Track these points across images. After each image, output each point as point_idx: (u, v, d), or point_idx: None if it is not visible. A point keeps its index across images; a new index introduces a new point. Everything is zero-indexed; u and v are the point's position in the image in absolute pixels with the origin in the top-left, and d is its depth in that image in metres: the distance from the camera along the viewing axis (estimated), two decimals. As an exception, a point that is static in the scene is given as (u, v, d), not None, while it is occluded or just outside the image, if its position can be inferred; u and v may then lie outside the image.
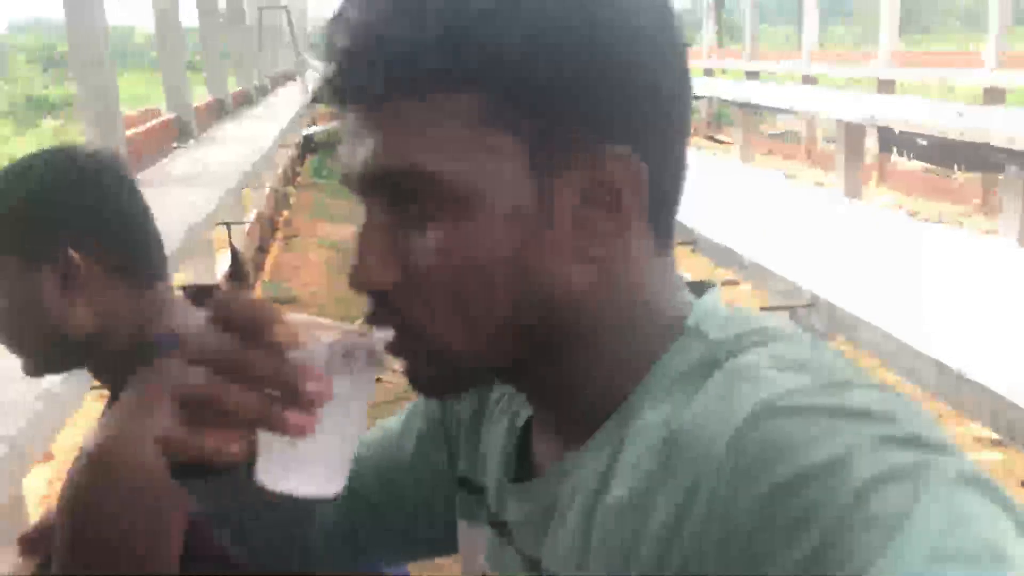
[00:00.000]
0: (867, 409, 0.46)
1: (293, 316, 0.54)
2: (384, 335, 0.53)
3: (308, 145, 10.99)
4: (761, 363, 0.50)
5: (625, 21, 0.53)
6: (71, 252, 1.04)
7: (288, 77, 12.66)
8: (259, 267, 5.61)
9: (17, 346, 1.10)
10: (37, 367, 1.12)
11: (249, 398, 0.49)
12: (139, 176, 2.46)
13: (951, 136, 4.07)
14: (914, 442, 0.44)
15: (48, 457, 2.88)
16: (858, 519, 0.41)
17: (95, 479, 0.98)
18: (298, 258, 6.34)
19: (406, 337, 0.54)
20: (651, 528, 0.50)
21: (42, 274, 1.05)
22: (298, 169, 10.08)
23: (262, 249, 6.02)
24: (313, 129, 11.65)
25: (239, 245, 4.07)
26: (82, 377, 1.64)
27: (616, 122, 0.53)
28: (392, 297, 0.55)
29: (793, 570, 0.42)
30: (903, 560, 0.39)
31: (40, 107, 15.95)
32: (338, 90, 0.56)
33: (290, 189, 8.76)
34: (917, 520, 0.40)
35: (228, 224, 3.30)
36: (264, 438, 0.51)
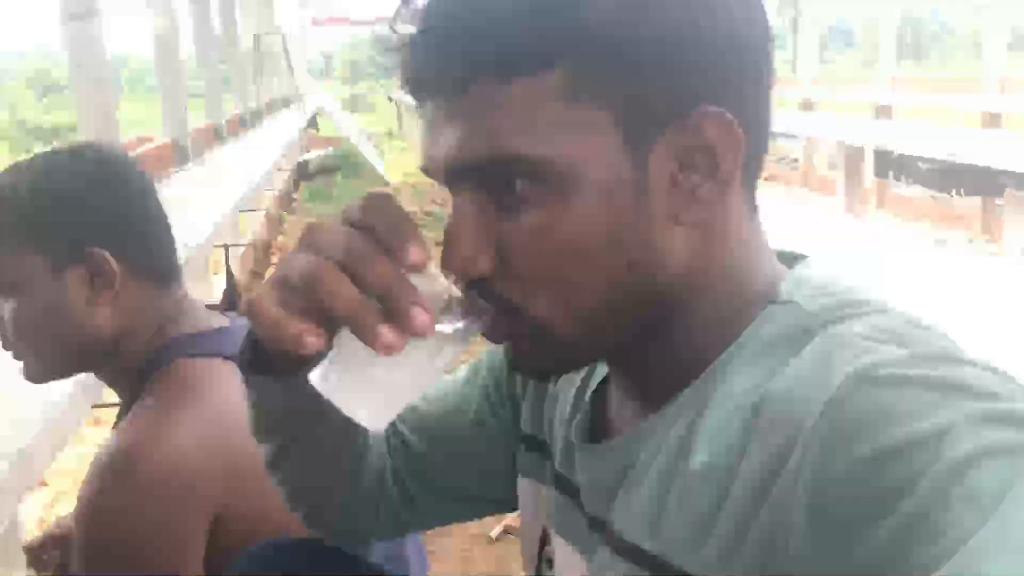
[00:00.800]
0: (968, 384, 0.45)
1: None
2: (483, 322, 0.52)
3: (304, 171, 11.01)
4: (859, 333, 0.49)
5: None
6: (102, 253, 1.02)
7: (285, 103, 12.70)
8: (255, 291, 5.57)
9: (31, 348, 1.06)
10: (44, 372, 1.09)
11: (351, 295, 0.48)
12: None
13: (953, 160, 4.08)
14: (1015, 420, 0.43)
15: (41, 483, 2.83)
16: (956, 494, 0.40)
17: (116, 485, 0.95)
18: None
19: (507, 321, 0.54)
20: (734, 494, 0.49)
21: (68, 275, 1.03)
22: (293, 194, 10.09)
23: (257, 273, 5.99)
24: (309, 155, 11.68)
25: (234, 269, 4.05)
26: (83, 398, 1.60)
27: (708, 82, 0.52)
28: (491, 284, 0.54)
29: (885, 539, 0.41)
30: (999, 538, 0.39)
31: (35, 133, 15.97)
32: (415, 79, 0.54)
33: (285, 215, 8.75)
34: (1016, 499, 0.39)
35: (226, 246, 3.28)
36: (342, 343, 0.49)
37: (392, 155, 13.68)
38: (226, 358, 1.04)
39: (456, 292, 0.53)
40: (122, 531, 0.95)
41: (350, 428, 0.63)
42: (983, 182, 4.28)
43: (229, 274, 3.06)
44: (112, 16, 3.84)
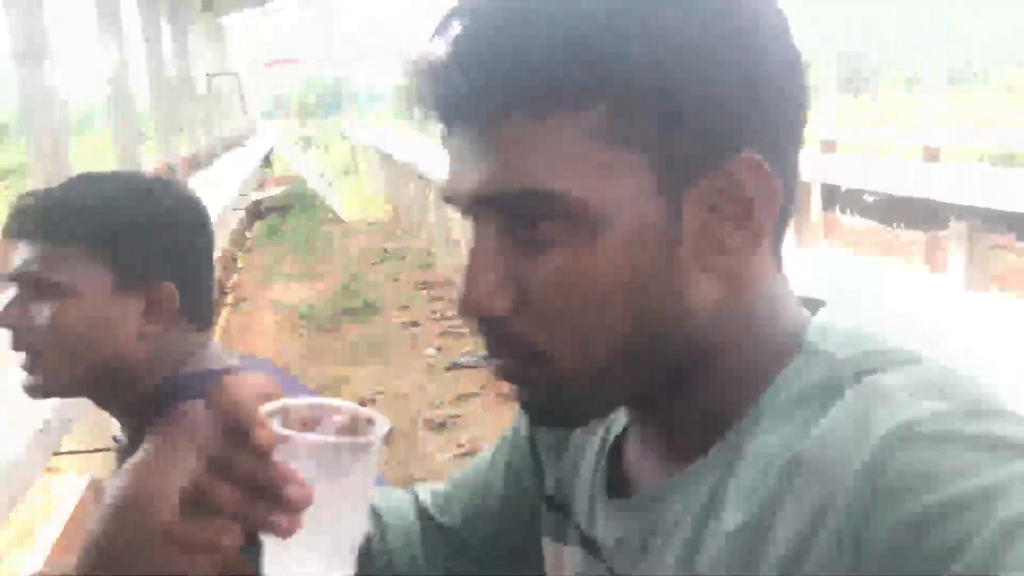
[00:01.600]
0: (1013, 439, 0.44)
1: (295, 401, 0.53)
2: (381, 426, 0.52)
3: (257, 209, 10.94)
4: (895, 385, 0.48)
5: (749, 27, 0.51)
6: (171, 287, 1.02)
7: (237, 142, 12.63)
8: (211, 332, 5.50)
9: (56, 356, 1.02)
10: (51, 385, 1.05)
11: (235, 498, 0.49)
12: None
13: (898, 193, 4.20)
14: None
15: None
16: (1008, 558, 0.39)
17: (127, 530, 0.93)
18: (248, 321, 6.26)
19: (522, 364, 0.53)
20: (770, 555, 0.48)
21: (130, 297, 1.02)
22: (247, 233, 10.01)
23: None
24: (263, 194, 11.60)
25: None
26: (45, 444, 1.58)
27: (747, 128, 0.51)
28: (508, 323, 0.53)
29: None
30: None
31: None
32: (446, 105, 0.53)
33: (239, 253, 8.68)
34: None
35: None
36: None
37: (348, 193, 13.66)
38: None
39: (357, 409, 0.53)
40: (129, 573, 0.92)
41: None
42: (926, 214, 4.41)
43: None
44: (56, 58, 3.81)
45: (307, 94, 38.69)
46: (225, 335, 5.76)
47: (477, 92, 0.51)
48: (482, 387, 4.41)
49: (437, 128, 0.55)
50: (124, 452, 1.05)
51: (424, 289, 6.77)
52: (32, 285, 1.01)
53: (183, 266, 1.05)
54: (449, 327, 5.50)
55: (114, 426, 1.12)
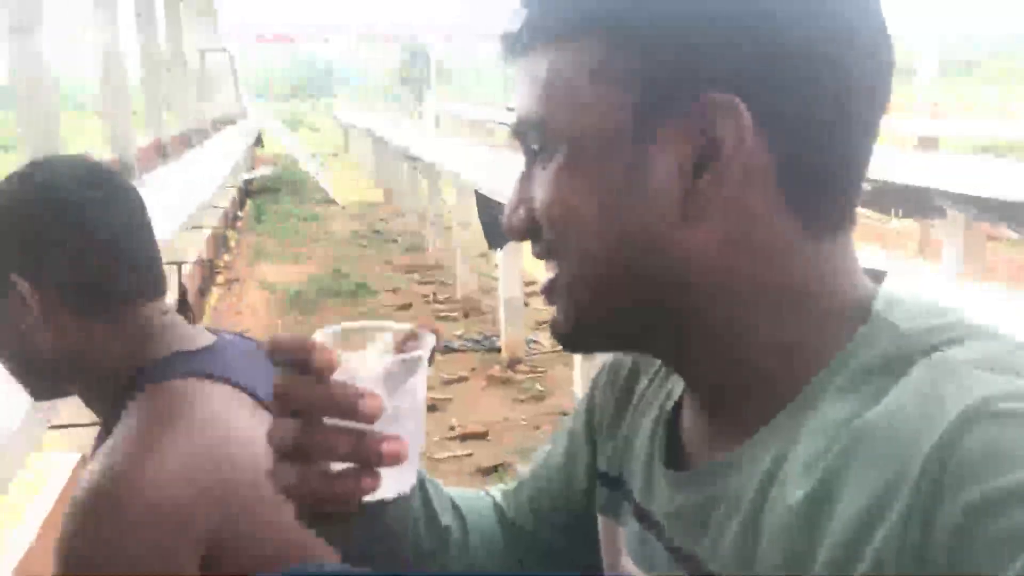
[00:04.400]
0: None
1: (343, 326, 0.56)
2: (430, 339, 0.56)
3: (248, 189, 10.87)
4: (968, 360, 0.47)
5: None
6: (21, 281, 1.00)
7: (228, 121, 12.54)
8: (199, 310, 5.48)
9: (7, 367, 1.07)
10: (29, 390, 1.09)
11: (346, 443, 0.51)
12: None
13: (893, 181, 4.20)
14: None
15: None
16: None
17: (99, 519, 0.90)
18: (239, 301, 6.22)
19: (552, 283, 0.58)
20: (834, 529, 0.47)
21: (9, 298, 1.02)
22: (238, 213, 9.94)
23: (202, 293, 5.89)
24: (253, 173, 11.53)
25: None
26: (41, 417, 1.56)
27: (718, 68, 0.51)
28: (539, 237, 0.58)
29: None
30: None
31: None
32: (505, 40, 0.59)
33: (230, 232, 8.62)
34: None
35: (179, 264, 3.22)
36: None
37: (338, 174, 13.59)
38: (213, 377, 1.01)
39: (399, 326, 0.57)
40: (107, 569, 0.89)
41: (431, 528, 0.71)
42: (920, 203, 4.42)
43: (182, 292, 3.01)
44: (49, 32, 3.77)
45: (298, 74, 38.44)
46: (216, 314, 5.73)
47: (513, 25, 0.57)
48: (472, 370, 4.40)
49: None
50: (97, 441, 1.04)
51: (414, 272, 6.74)
52: None
53: (39, 258, 1.01)
54: (440, 311, 5.48)
55: None
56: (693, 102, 0.52)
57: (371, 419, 0.51)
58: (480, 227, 4.89)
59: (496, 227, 4.64)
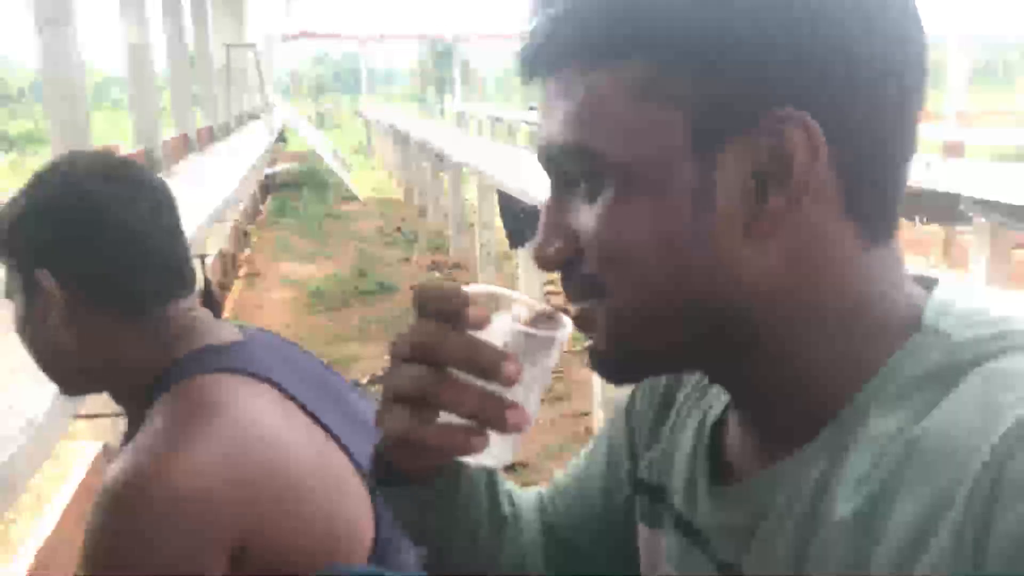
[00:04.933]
0: None
1: (480, 287, 0.56)
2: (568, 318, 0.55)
3: (270, 184, 10.93)
4: (1022, 371, 0.45)
5: None
6: (47, 276, 1.00)
7: (253, 116, 12.61)
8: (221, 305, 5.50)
9: (36, 362, 1.07)
10: (58, 386, 1.09)
11: (472, 397, 0.51)
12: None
13: (918, 186, 4.16)
14: None
15: None
16: None
17: (127, 514, 0.89)
18: (260, 297, 6.25)
19: (590, 312, 0.55)
20: (887, 543, 0.46)
21: (36, 293, 1.02)
22: (260, 207, 10.00)
23: (223, 287, 5.93)
24: (276, 168, 11.59)
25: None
26: (67, 406, 1.57)
27: (786, 86, 0.49)
28: (574, 270, 0.55)
29: None
30: None
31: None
32: (522, 57, 0.55)
33: (252, 228, 8.67)
34: None
35: (202, 257, 3.24)
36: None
37: (361, 171, 13.63)
38: (242, 373, 1.01)
39: (535, 303, 0.56)
40: (134, 564, 0.89)
41: (493, 512, 0.71)
42: (947, 209, 4.37)
43: (207, 285, 3.02)
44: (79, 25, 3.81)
45: (323, 71, 38.63)
46: (237, 310, 5.76)
47: (537, 45, 0.53)
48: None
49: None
50: (125, 438, 1.04)
51: (436, 271, 6.75)
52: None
53: (66, 253, 1.01)
54: (461, 308, 5.48)
55: None
56: (760, 119, 0.49)
57: (509, 384, 0.51)
58: (502, 226, 4.88)
59: (518, 227, 4.62)
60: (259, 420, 0.97)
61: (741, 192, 0.50)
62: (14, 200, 1.04)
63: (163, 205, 1.06)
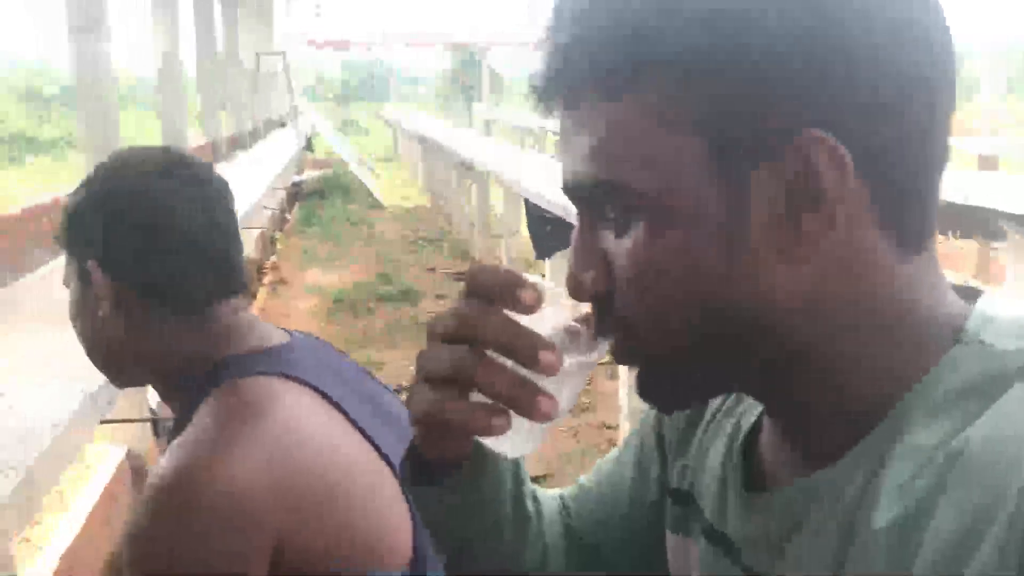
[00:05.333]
0: None
1: (532, 277, 0.54)
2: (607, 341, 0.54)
3: (297, 192, 11.00)
4: None
5: (817, 5, 0.48)
6: (96, 268, 1.01)
7: (280, 123, 12.70)
8: (248, 311, 5.53)
9: (86, 352, 1.08)
10: (107, 377, 1.10)
11: (504, 378, 0.50)
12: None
13: (955, 201, 4.11)
14: None
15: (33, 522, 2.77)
16: None
17: (171, 511, 0.90)
18: (285, 305, 6.28)
19: (625, 344, 0.54)
20: (926, 553, 0.45)
21: (87, 286, 1.03)
22: (287, 215, 10.06)
23: (251, 292, 5.96)
24: (303, 176, 11.67)
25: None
26: (90, 414, 1.57)
27: (811, 108, 0.48)
28: (606, 301, 0.54)
29: None
30: None
31: (26, 145, 15.92)
32: (536, 85, 0.54)
33: (279, 235, 8.72)
34: None
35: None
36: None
37: (387, 178, 13.69)
38: (289, 377, 1.01)
39: (581, 305, 0.55)
40: (177, 563, 0.89)
41: (517, 509, 0.70)
42: (980, 224, 4.31)
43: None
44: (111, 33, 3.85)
45: (350, 77, 38.90)
46: (262, 316, 5.78)
47: (553, 73, 0.52)
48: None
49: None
50: (170, 435, 1.04)
51: (460, 279, 6.76)
52: None
53: (118, 248, 1.01)
54: (486, 317, 5.47)
55: (152, 395, 1.12)
56: (785, 142, 0.48)
57: (547, 373, 0.50)
58: (528, 235, 4.87)
59: (544, 237, 4.61)
60: (301, 424, 0.97)
61: (773, 217, 0.49)
62: (76, 190, 1.05)
63: (219, 203, 1.06)
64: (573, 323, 0.54)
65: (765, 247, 0.50)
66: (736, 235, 0.50)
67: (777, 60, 0.47)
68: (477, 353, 0.51)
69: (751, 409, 0.63)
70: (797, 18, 0.47)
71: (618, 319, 0.54)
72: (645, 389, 0.56)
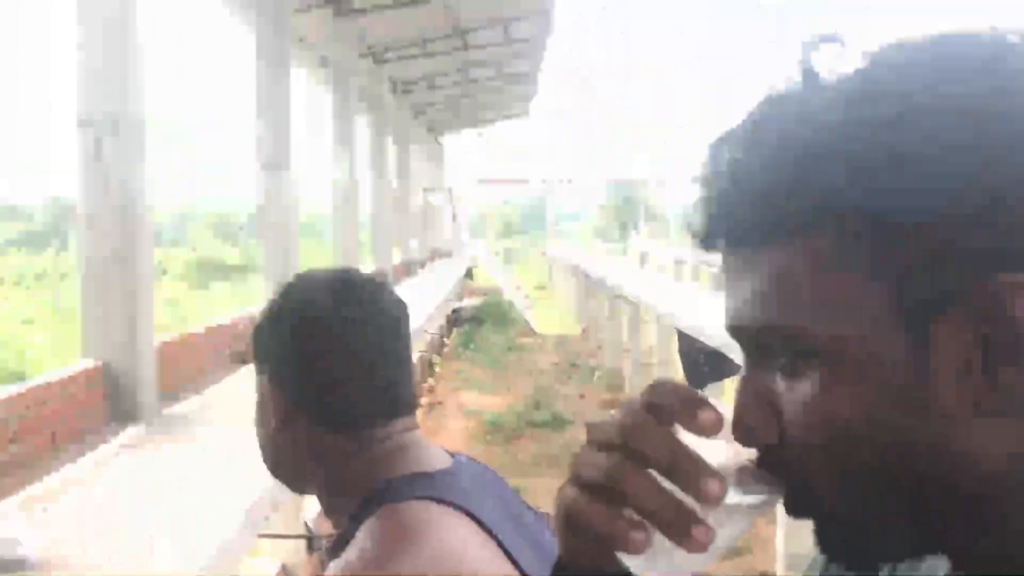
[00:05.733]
0: None
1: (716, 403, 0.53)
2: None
3: (456, 318, 11.32)
4: None
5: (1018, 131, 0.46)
6: (265, 381, 1.05)
7: (445, 253, 13.23)
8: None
9: (260, 451, 1.13)
10: (282, 480, 1.12)
11: (660, 498, 0.47)
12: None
13: None
14: None
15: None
16: None
17: None
18: (438, 425, 6.40)
19: (800, 496, 0.51)
20: None
21: (262, 395, 1.07)
22: (445, 340, 10.35)
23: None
24: (462, 303, 12.03)
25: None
26: (253, 523, 1.67)
27: (1007, 245, 0.45)
28: (776, 452, 0.51)
29: None
30: None
31: (212, 271, 17.21)
32: (701, 233, 0.53)
33: (436, 358, 8.97)
34: None
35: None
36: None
37: (541, 307, 13.90)
38: (450, 504, 1.01)
39: (751, 459, 0.51)
40: None
41: None
42: None
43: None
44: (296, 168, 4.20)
45: (511, 211, 40.23)
46: (417, 436, 5.90)
47: (718, 218, 0.51)
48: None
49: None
50: (329, 553, 1.07)
51: (612, 407, 6.69)
52: None
53: (291, 369, 1.05)
54: (635, 447, 5.38)
55: (308, 512, 1.13)
56: (973, 287, 0.46)
57: (709, 502, 0.47)
58: (680, 365, 4.83)
59: (696, 366, 4.55)
60: (457, 551, 0.97)
61: (965, 366, 0.47)
62: (267, 305, 1.12)
63: (392, 328, 1.08)
64: (747, 461, 0.51)
65: (957, 400, 0.47)
66: (922, 385, 0.47)
67: (954, 208, 0.46)
68: (634, 466, 0.49)
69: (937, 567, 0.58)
70: (971, 164, 0.46)
71: (791, 471, 0.51)
72: (827, 545, 0.53)
